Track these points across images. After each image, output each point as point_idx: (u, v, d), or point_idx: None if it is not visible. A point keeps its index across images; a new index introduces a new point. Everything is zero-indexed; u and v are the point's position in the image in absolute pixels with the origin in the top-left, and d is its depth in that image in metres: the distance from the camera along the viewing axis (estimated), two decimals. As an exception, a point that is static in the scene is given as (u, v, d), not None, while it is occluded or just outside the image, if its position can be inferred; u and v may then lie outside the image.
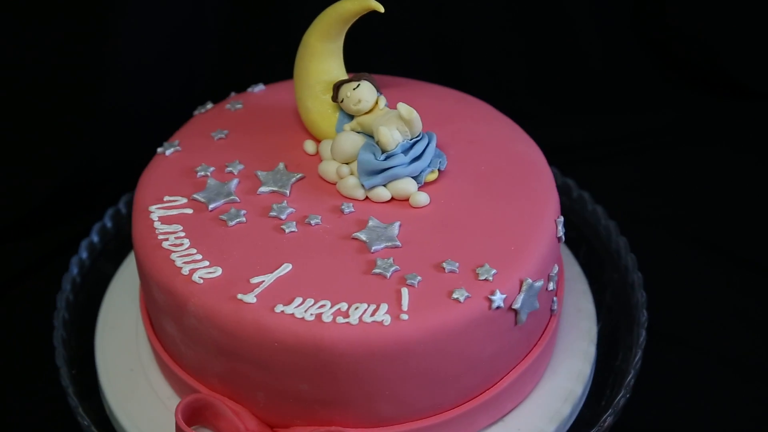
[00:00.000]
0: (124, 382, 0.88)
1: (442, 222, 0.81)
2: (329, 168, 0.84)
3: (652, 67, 1.32)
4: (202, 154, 0.88)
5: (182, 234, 0.81)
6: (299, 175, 0.85)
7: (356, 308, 0.74)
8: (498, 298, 0.75)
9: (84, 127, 1.14)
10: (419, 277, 0.76)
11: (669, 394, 0.96)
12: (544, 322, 0.84)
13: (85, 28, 1.10)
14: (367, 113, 0.84)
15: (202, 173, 0.86)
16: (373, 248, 0.78)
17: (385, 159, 0.81)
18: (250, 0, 1.20)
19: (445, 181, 0.84)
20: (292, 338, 0.73)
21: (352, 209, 0.82)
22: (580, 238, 1.01)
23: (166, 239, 0.80)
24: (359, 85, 0.83)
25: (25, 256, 1.10)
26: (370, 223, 0.80)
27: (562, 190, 1.04)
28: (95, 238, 1.01)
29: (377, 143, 0.82)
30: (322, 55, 0.86)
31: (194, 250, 0.79)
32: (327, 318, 0.74)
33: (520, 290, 0.77)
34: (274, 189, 0.84)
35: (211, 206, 0.82)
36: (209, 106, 0.94)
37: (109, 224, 1.03)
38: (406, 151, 0.82)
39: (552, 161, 0.89)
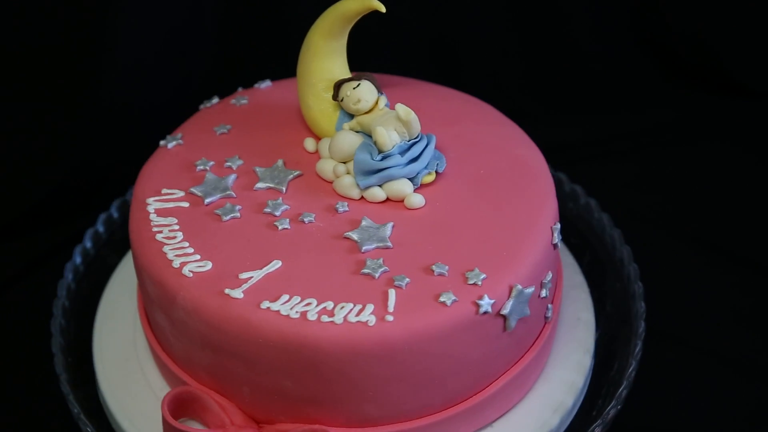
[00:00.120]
0: (119, 372, 0.88)
1: (436, 224, 0.81)
2: (326, 166, 0.84)
3: (650, 66, 1.32)
4: (204, 149, 0.88)
5: (176, 227, 0.81)
6: (297, 173, 0.85)
7: (342, 307, 0.74)
8: (486, 303, 0.75)
9: (81, 127, 1.14)
10: (407, 279, 0.76)
11: (668, 394, 0.96)
12: (537, 329, 0.84)
13: (82, 28, 1.10)
14: (367, 113, 0.84)
15: (202, 167, 0.86)
16: (364, 248, 0.78)
17: (382, 159, 0.81)
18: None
19: (443, 183, 0.84)
20: (276, 335, 0.74)
21: (347, 208, 0.82)
22: (584, 244, 1.00)
23: (160, 232, 0.81)
24: (359, 84, 0.83)
25: (23, 255, 1.10)
26: (363, 223, 0.80)
27: (570, 196, 1.04)
28: (101, 228, 1.01)
29: (374, 143, 0.81)
30: (324, 53, 0.86)
31: (186, 244, 0.79)
32: (312, 316, 0.74)
33: (509, 296, 0.76)
34: (271, 185, 0.84)
35: (207, 200, 0.83)
36: (215, 100, 0.95)
37: (115, 214, 1.03)
38: (403, 152, 0.82)
39: (551, 160, 0.89)
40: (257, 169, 0.85)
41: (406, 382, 0.76)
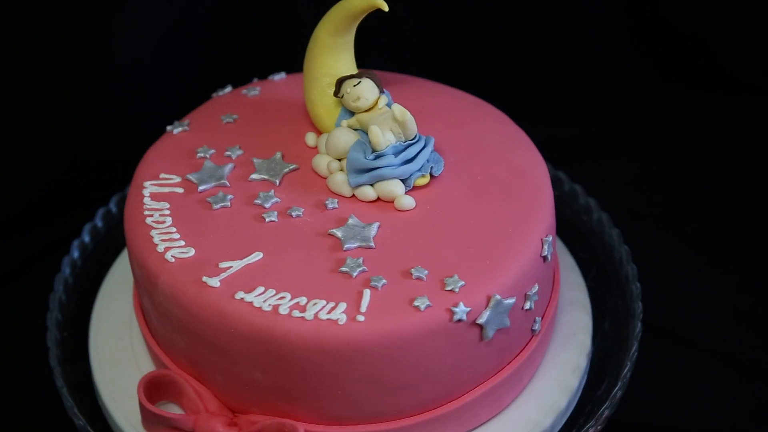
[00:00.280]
0: (110, 351, 0.90)
1: (423, 228, 0.80)
2: (321, 162, 0.84)
3: (650, 65, 1.31)
4: (207, 136, 0.89)
5: (167, 212, 0.82)
6: (293, 166, 0.85)
7: (314, 304, 0.74)
8: (460, 311, 0.74)
9: (79, 125, 1.15)
10: (384, 281, 0.75)
11: (668, 394, 0.96)
12: (521, 341, 0.82)
13: (81, 26, 1.11)
14: (367, 111, 0.83)
15: (202, 155, 0.87)
16: (346, 246, 0.78)
17: (375, 159, 0.81)
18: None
19: (437, 186, 0.83)
20: (246, 326, 0.74)
21: (336, 205, 0.82)
22: (592, 259, 0.98)
23: (151, 215, 0.82)
24: (360, 82, 0.83)
25: (21, 250, 1.10)
26: (350, 221, 0.80)
27: (585, 210, 1.02)
28: (99, 222, 1.01)
29: (369, 142, 0.81)
30: (330, 49, 0.86)
31: (174, 229, 0.80)
32: (283, 310, 0.74)
33: (487, 306, 0.75)
34: (265, 177, 0.84)
35: (200, 188, 0.83)
36: (228, 89, 0.95)
37: (114, 209, 1.03)
38: (398, 153, 0.81)
39: (549, 158, 0.88)
40: (254, 160, 0.86)
41: (376, 384, 0.75)
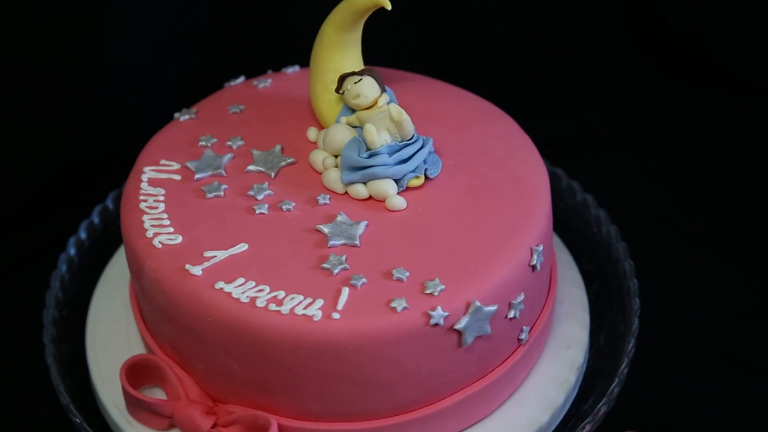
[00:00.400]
0: (105, 331, 0.91)
1: (411, 229, 0.79)
2: (317, 157, 0.84)
3: (647, 61, 1.30)
4: (212, 125, 0.89)
5: (162, 198, 0.83)
6: (290, 160, 0.85)
7: (292, 299, 0.74)
8: (438, 315, 0.73)
9: (75, 122, 1.15)
10: (364, 280, 0.75)
11: (666, 391, 0.96)
12: (506, 349, 0.81)
13: (77, 23, 1.11)
14: (368, 109, 0.83)
15: (204, 143, 0.87)
16: (330, 243, 0.78)
17: (368, 157, 0.81)
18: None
19: (432, 189, 0.82)
20: (223, 316, 0.74)
21: (327, 201, 0.81)
22: (598, 271, 0.97)
23: (145, 201, 0.82)
24: (361, 79, 0.83)
25: (17, 249, 1.10)
26: (339, 218, 0.80)
27: (596, 221, 1.00)
28: (96, 219, 1.01)
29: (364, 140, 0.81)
30: (336, 45, 0.85)
31: (165, 216, 0.81)
32: (261, 303, 0.74)
33: (466, 311, 0.75)
34: (262, 169, 0.84)
35: (197, 176, 0.84)
36: (241, 79, 0.96)
37: (111, 206, 1.03)
38: (392, 153, 0.81)
39: (546, 155, 0.88)
40: (254, 152, 0.86)
41: (350, 383, 0.75)
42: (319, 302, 0.74)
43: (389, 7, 0.82)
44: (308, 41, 0.86)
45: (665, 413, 0.94)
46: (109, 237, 1.00)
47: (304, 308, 0.74)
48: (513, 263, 0.78)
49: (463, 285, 0.75)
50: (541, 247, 0.80)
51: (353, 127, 0.83)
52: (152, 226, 0.80)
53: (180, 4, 1.17)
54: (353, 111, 0.84)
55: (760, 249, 1.09)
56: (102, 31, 1.12)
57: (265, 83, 0.94)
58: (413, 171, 0.82)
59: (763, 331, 1.01)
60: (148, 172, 0.85)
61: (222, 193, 0.82)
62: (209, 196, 0.82)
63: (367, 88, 0.82)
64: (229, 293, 0.75)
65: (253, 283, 0.75)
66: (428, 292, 0.74)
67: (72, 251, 0.98)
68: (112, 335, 0.90)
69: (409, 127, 0.81)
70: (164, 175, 0.85)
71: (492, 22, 1.26)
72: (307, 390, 0.76)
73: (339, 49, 0.86)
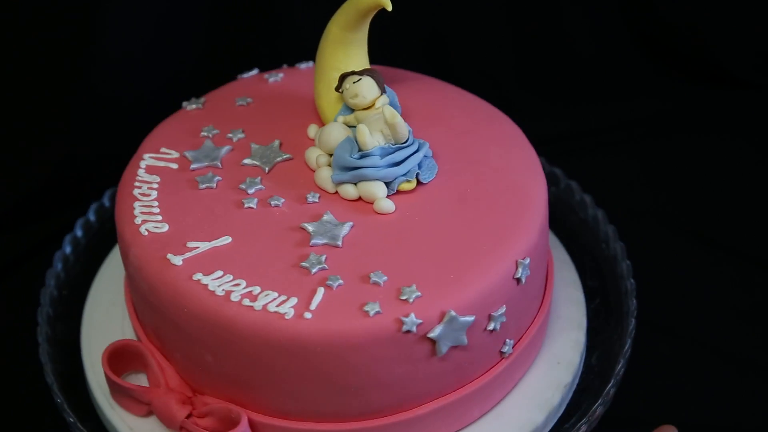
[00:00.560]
0: (101, 313, 0.92)
1: (396, 233, 0.79)
2: (311, 155, 0.84)
3: (644, 58, 1.29)
4: (217, 116, 0.90)
5: (155, 185, 0.83)
6: (287, 156, 0.85)
7: (266, 295, 0.74)
8: (410, 322, 0.73)
9: (71, 121, 1.15)
10: (341, 281, 0.75)
11: (665, 390, 0.95)
12: (486, 361, 0.80)
13: (73, 22, 1.11)
14: (366, 110, 0.83)
15: (205, 134, 0.88)
16: (312, 242, 0.78)
17: (360, 158, 0.80)
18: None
19: (424, 193, 0.82)
20: (197, 308, 0.75)
21: (317, 200, 0.81)
22: (601, 288, 0.95)
23: (140, 187, 0.83)
24: (360, 79, 0.82)
25: (12, 247, 1.10)
26: (325, 217, 0.79)
27: (604, 239, 0.98)
28: (92, 217, 1.02)
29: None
30: (340, 43, 0.85)
31: (156, 203, 0.82)
32: (235, 297, 0.74)
33: (440, 320, 0.74)
34: (257, 164, 0.85)
35: (193, 166, 0.85)
36: (255, 71, 0.96)
37: (107, 204, 1.02)
38: (385, 155, 0.80)
39: (542, 153, 0.88)
40: (252, 146, 0.86)
41: (321, 383, 0.75)
42: (293, 300, 0.74)
43: (390, 8, 0.81)
44: (307, 40, 0.86)
45: (665, 413, 0.93)
46: (105, 235, 1.00)
47: (277, 305, 0.73)
48: (495, 275, 0.76)
49: (439, 293, 0.74)
50: (527, 261, 0.78)
51: (351, 126, 0.83)
52: (142, 213, 0.81)
53: (175, 2, 1.17)
54: (353, 110, 0.84)
55: (760, 248, 1.08)
56: (99, 30, 1.13)
57: (276, 77, 0.94)
58: (404, 175, 0.81)
59: (763, 330, 1.00)
60: (147, 159, 0.86)
61: (214, 185, 0.83)
62: (201, 186, 0.83)
63: (366, 88, 0.82)
64: (206, 285, 0.75)
65: (231, 277, 0.75)
66: (403, 298, 0.74)
67: (68, 249, 0.98)
68: (105, 330, 0.90)
69: (403, 131, 0.80)
70: (162, 163, 0.85)
71: (490, 21, 1.26)
72: (279, 387, 0.76)
73: (344, 47, 0.85)
